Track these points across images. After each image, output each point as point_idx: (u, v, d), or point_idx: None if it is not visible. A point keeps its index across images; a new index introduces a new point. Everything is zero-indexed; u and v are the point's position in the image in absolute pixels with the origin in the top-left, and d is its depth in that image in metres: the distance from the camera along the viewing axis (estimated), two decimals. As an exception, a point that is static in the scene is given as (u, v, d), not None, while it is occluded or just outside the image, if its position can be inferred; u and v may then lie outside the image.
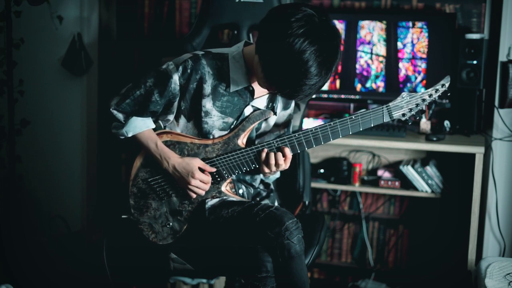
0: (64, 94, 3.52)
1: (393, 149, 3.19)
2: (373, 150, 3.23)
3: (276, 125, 2.30)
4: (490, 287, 2.35)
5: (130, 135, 2.14)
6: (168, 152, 2.13)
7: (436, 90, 2.07)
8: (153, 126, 2.17)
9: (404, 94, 2.07)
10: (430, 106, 2.09)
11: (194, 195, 2.15)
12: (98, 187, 3.59)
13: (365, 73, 3.15)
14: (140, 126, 2.14)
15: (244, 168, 2.13)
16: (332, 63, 1.91)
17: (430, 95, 2.07)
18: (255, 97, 2.14)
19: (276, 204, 2.37)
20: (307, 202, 2.61)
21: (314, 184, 3.13)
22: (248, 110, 2.15)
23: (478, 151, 2.82)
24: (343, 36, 3.13)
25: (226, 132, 2.14)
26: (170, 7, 3.44)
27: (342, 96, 3.19)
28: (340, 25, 3.14)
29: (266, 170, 2.11)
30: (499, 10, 3.01)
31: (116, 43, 3.54)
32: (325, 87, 3.19)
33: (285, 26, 1.86)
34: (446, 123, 3.10)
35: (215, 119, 2.11)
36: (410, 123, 2.10)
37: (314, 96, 3.09)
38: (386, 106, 2.06)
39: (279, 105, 2.24)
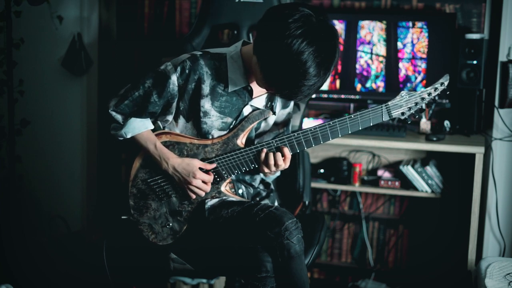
0: (64, 94, 3.52)
1: (393, 149, 3.19)
2: (373, 150, 3.23)
3: (276, 124, 2.29)
4: (490, 287, 2.34)
5: (129, 136, 2.14)
6: (167, 153, 2.13)
7: (435, 89, 2.06)
8: (152, 127, 2.17)
9: (403, 93, 2.06)
10: (429, 105, 2.08)
11: (194, 196, 2.15)
12: (98, 187, 3.59)
13: (365, 73, 3.14)
14: (139, 127, 2.14)
15: (244, 168, 2.13)
16: (331, 63, 1.91)
17: (429, 94, 2.06)
18: (253, 96, 2.14)
19: (276, 204, 2.36)
20: (307, 202, 2.61)
21: (314, 184, 3.13)
22: (247, 110, 2.14)
23: (478, 151, 2.82)
24: (343, 36, 3.13)
25: (225, 132, 2.14)
26: (170, 7, 3.43)
27: (342, 96, 3.18)
28: (340, 25, 3.13)
29: (266, 170, 2.11)
30: (499, 10, 3.01)
31: (116, 43, 3.54)
32: (325, 87, 3.19)
33: (283, 27, 1.86)
34: (446, 123, 3.10)
35: (214, 119, 2.11)
36: (409, 122, 2.09)
37: (314, 96, 3.11)
38: (385, 105, 2.06)
39: (278, 104, 2.24)
